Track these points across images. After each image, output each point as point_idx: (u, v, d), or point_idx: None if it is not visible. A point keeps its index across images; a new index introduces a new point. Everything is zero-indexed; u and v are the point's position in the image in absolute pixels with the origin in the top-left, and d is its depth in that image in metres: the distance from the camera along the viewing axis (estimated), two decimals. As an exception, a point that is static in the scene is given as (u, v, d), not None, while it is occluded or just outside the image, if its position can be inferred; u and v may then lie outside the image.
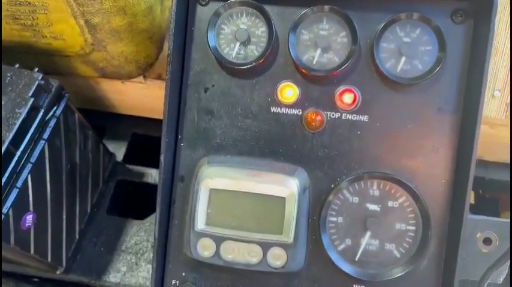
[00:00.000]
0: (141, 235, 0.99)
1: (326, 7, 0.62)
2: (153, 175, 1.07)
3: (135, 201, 1.06)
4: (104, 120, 1.14)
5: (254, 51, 0.65)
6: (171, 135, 0.66)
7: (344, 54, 0.63)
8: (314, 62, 0.63)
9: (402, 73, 0.62)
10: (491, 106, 0.80)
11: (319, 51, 0.63)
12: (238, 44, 0.64)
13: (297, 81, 0.64)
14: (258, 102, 0.65)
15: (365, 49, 0.63)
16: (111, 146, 1.10)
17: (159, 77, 0.94)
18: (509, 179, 1.00)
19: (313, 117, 0.64)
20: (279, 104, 0.65)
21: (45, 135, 0.75)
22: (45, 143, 0.75)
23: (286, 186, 0.61)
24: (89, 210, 0.96)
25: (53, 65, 0.86)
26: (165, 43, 0.90)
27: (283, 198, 0.61)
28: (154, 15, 0.80)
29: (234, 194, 0.62)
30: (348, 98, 0.63)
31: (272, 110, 0.65)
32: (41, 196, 0.77)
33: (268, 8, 0.63)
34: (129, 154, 1.12)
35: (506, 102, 0.80)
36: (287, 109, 0.65)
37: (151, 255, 0.72)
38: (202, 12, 0.66)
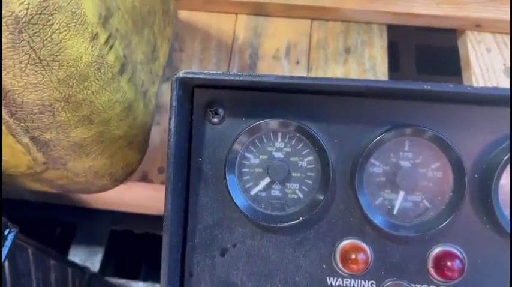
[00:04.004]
0: None
1: (413, 131, 0.39)
2: (139, 290, 0.82)
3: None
4: (74, 216, 0.89)
5: (297, 191, 0.42)
6: (173, 326, 0.42)
7: (441, 198, 0.41)
8: (394, 211, 0.41)
9: (533, 226, 0.40)
10: None
11: (401, 194, 0.41)
12: (271, 182, 0.41)
13: (366, 239, 0.42)
14: (306, 270, 0.42)
15: (469, 187, 0.41)
16: (85, 251, 0.86)
17: (144, 178, 0.70)
18: None
19: (395, 293, 0.41)
20: (340, 274, 0.42)
21: (-18, 303, 0.51)
22: (-19, 314, 0.51)
23: None
24: None
25: (-6, 180, 0.61)
26: (152, 127, 0.66)
27: None
28: (135, 115, 0.56)
29: None
30: (448, 263, 0.41)
31: (329, 283, 0.42)
32: None
33: (315, 127, 0.41)
34: (108, 260, 0.87)
35: None
36: (353, 281, 0.42)
37: None
38: (215, 134, 0.42)
